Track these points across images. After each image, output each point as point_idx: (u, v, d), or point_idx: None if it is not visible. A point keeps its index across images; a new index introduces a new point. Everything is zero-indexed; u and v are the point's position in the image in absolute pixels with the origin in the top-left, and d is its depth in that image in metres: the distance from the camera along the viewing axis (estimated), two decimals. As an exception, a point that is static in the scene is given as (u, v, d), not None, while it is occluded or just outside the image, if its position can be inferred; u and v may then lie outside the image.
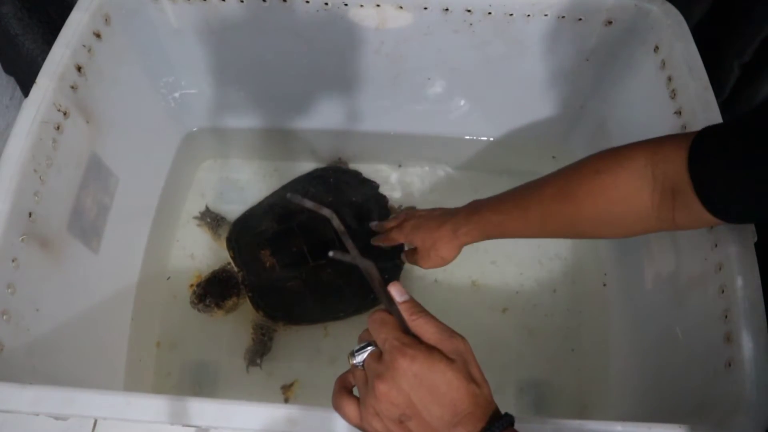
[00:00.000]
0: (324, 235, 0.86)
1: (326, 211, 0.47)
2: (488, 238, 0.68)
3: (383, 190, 0.97)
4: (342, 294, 0.85)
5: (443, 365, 0.40)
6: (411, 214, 0.79)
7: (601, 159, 0.56)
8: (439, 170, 1.00)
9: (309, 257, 0.84)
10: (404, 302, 0.44)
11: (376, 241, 0.82)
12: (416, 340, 0.42)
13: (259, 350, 0.84)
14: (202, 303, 0.82)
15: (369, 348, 0.44)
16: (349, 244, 0.44)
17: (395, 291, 0.45)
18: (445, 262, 0.74)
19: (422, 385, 0.40)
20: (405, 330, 0.43)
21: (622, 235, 0.60)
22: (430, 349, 0.41)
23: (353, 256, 0.44)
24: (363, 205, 0.92)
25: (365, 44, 0.80)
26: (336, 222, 0.45)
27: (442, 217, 0.73)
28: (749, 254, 0.55)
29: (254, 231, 0.88)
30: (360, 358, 0.44)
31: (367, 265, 0.43)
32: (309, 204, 0.47)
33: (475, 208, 0.69)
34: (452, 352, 0.41)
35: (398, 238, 0.78)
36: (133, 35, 0.77)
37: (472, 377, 0.42)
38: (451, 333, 0.43)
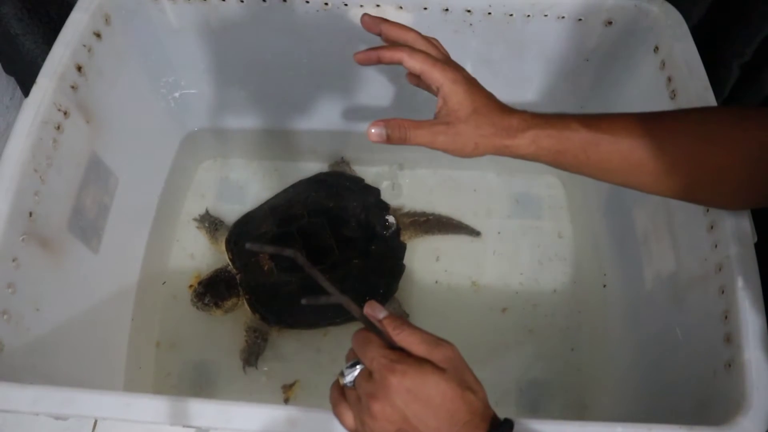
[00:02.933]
0: (323, 241, 0.86)
1: (289, 252, 0.47)
2: (555, 159, 0.51)
3: (384, 191, 0.97)
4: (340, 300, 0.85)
5: (435, 376, 0.40)
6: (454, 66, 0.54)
7: (744, 108, 0.53)
8: (440, 171, 1.01)
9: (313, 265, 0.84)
10: (385, 318, 0.44)
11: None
12: (404, 353, 0.41)
13: (254, 351, 0.84)
14: (201, 302, 0.83)
15: (358, 366, 0.43)
16: (321, 279, 0.44)
17: (373, 310, 0.45)
18: (452, 144, 0.51)
19: (416, 400, 0.40)
20: (391, 345, 0.42)
21: (721, 204, 0.54)
22: (420, 361, 0.41)
23: (330, 291, 0.44)
24: (364, 211, 0.92)
25: (365, 44, 0.79)
26: (301, 260, 0.45)
27: (496, 99, 0.53)
28: (749, 254, 0.55)
29: (254, 233, 0.88)
30: (350, 377, 0.43)
31: (344, 300, 0.43)
32: (270, 249, 0.47)
33: (556, 115, 0.52)
34: (442, 361, 0.41)
35: (432, 66, 0.51)
36: (133, 35, 0.77)
37: (466, 384, 0.41)
38: (438, 341, 0.42)
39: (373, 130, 0.50)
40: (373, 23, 0.56)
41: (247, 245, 0.55)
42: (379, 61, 0.54)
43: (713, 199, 0.54)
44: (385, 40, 0.56)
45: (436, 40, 0.56)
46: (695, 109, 0.55)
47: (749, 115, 0.49)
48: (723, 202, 0.55)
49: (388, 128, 0.50)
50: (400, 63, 0.52)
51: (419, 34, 0.55)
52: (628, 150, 0.50)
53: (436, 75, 0.51)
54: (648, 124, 0.50)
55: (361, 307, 0.45)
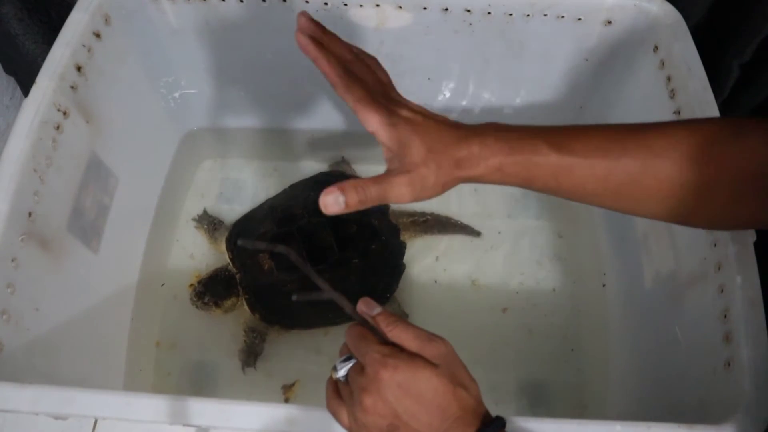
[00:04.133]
0: (323, 241, 0.86)
1: (282, 249, 0.47)
2: (524, 185, 0.47)
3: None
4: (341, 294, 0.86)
5: (427, 372, 0.40)
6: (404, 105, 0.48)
7: (739, 120, 0.45)
8: (439, 170, 1.01)
9: (307, 262, 0.84)
10: (378, 314, 0.44)
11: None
12: (396, 349, 0.42)
13: (252, 352, 0.84)
14: (201, 301, 0.83)
15: (351, 361, 0.44)
16: (315, 277, 0.44)
17: (366, 306, 0.45)
18: (419, 193, 0.45)
19: (407, 395, 0.40)
20: (384, 341, 0.42)
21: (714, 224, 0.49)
22: (412, 356, 0.41)
23: (323, 288, 0.44)
24: (364, 211, 0.91)
25: (365, 44, 0.80)
26: (294, 257, 0.45)
27: (454, 123, 0.47)
28: (748, 253, 0.55)
29: (254, 233, 0.88)
30: (343, 371, 0.44)
31: (336, 296, 0.43)
32: (262, 246, 0.47)
33: (521, 132, 0.46)
34: (435, 357, 0.41)
35: (366, 107, 0.45)
36: (133, 35, 0.77)
37: (458, 380, 0.41)
38: (431, 337, 0.42)
39: (326, 200, 0.43)
40: (309, 28, 0.46)
41: (239, 242, 0.55)
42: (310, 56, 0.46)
43: (700, 221, 0.49)
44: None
45: (376, 61, 0.50)
46: (681, 122, 0.51)
47: (745, 128, 0.44)
48: (711, 224, 0.51)
49: (343, 193, 0.43)
50: (331, 85, 0.45)
51: (357, 53, 0.48)
52: (603, 174, 0.45)
53: (369, 118, 0.44)
54: (626, 142, 0.45)
55: (356, 304, 0.45)
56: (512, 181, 0.46)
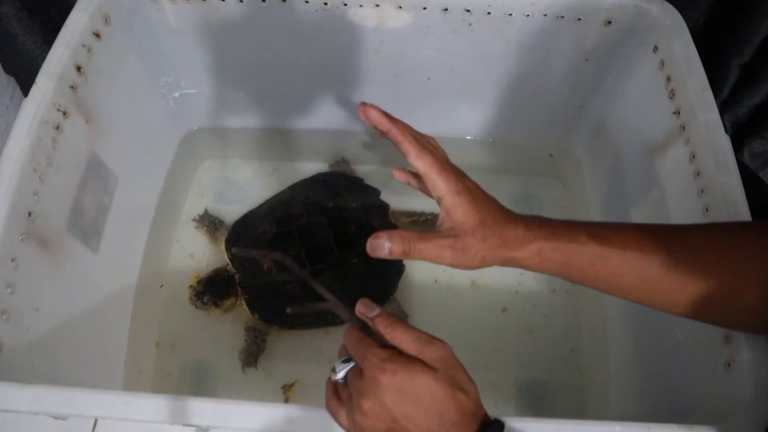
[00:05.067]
0: (323, 241, 0.86)
1: (276, 255, 0.47)
2: (561, 271, 0.49)
3: (385, 192, 0.97)
4: (339, 299, 0.86)
5: (426, 376, 0.40)
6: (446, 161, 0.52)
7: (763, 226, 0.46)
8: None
9: (306, 262, 0.84)
10: (377, 316, 0.44)
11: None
12: (395, 352, 0.42)
13: (253, 352, 0.84)
14: (201, 301, 0.83)
15: (350, 363, 0.44)
16: (311, 281, 0.44)
17: (365, 308, 0.44)
18: (458, 259, 0.49)
19: (406, 399, 0.40)
20: (382, 344, 0.42)
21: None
22: (411, 360, 0.41)
23: (320, 293, 0.44)
24: (363, 211, 0.92)
25: (365, 44, 0.80)
26: (289, 262, 0.45)
27: (501, 205, 0.50)
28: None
29: (253, 233, 0.88)
30: (341, 374, 0.44)
31: (333, 303, 0.43)
32: (256, 253, 0.47)
33: (564, 223, 0.49)
34: (434, 360, 0.41)
35: (438, 173, 0.48)
36: (133, 35, 0.77)
37: (457, 384, 0.41)
38: (430, 340, 0.42)
39: (374, 244, 0.47)
40: (377, 120, 0.50)
41: (233, 250, 0.55)
42: (380, 132, 0.51)
43: (734, 322, 0.50)
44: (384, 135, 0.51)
45: (434, 140, 0.54)
46: (717, 224, 0.53)
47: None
48: (745, 326, 0.50)
49: (390, 241, 0.47)
50: (404, 155, 0.49)
51: (417, 133, 0.51)
52: (639, 266, 0.46)
53: (440, 184, 0.48)
54: (662, 238, 0.47)
55: (353, 308, 0.45)
56: (550, 267, 0.48)
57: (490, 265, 0.50)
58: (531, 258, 0.48)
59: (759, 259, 0.44)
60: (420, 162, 0.48)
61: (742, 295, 0.44)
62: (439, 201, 0.49)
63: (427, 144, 0.50)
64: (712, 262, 0.45)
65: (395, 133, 0.49)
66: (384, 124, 0.49)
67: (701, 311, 0.47)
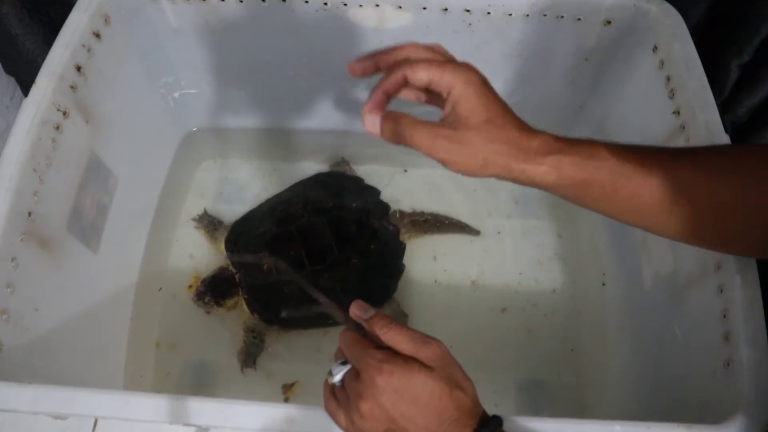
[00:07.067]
0: (323, 241, 0.86)
1: (269, 259, 0.47)
2: (578, 191, 0.44)
3: (385, 192, 0.97)
4: (338, 300, 0.86)
5: (422, 375, 0.40)
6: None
7: None
8: (440, 171, 1.00)
9: (306, 262, 0.84)
10: (371, 318, 0.43)
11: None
12: (391, 352, 0.41)
13: (252, 352, 0.84)
14: (202, 300, 0.83)
15: (347, 366, 0.44)
16: (305, 284, 0.44)
17: (359, 309, 0.44)
18: (455, 154, 0.43)
19: (403, 399, 0.40)
20: (378, 345, 0.42)
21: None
22: (407, 360, 0.41)
23: (315, 296, 0.44)
24: (363, 211, 0.92)
25: (365, 44, 0.80)
26: (282, 266, 0.45)
27: (516, 114, 0.46)
28: (748, 253, 0.55)
29: (253, 233, 0.88)
30: (338, 376, 0.44)
31: (328, 305, 0.43)
32: (249, 258, 0.47)
33: (579, 139, 0.45)
34: (430, 359, 0.41)
35: (439, 69, 0.44)
36: (133, 35, 0.77)
37: (454, 382, 0.41)
38: (425, 339, 0.42)
39: (368, 118, 0.45)
40: (364, 66, 0.48)
41: (227, 256, 0.55)
42: (377, 69, 0.48)
43: (744, 249, 0.48)
44: (386, 69, 0.48)
45: (440, 45, 0.49)
46: (731, 145, 0.51)
47: None
48: (754, 252, 0.48)
49: (383, 119, 0.44)
50: (404, 80, 0.45)
51: (417, 44, 0.48)
52: (659, 185, 0.43)
53: (446, 77, 0.43)
54: (681, 159, 0.44)
55: (347, 309, 0.45)
56: (566, 185, 0.44)
57: (492, 173, 0.43)
58: (546, 174, 0.43)
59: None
60: (418, 73, 0.43)
61: (758, 214, 0.42)
62: (447, 96, 0.43)
63: (424, 53, 0.46)
64: (732, 182, 0.42)
65: (383, 63, 0.46)
66: (369, 66, 0.47)
67: (713, 235, 0.45)
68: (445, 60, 0.46)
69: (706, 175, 0.43)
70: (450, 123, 0.43)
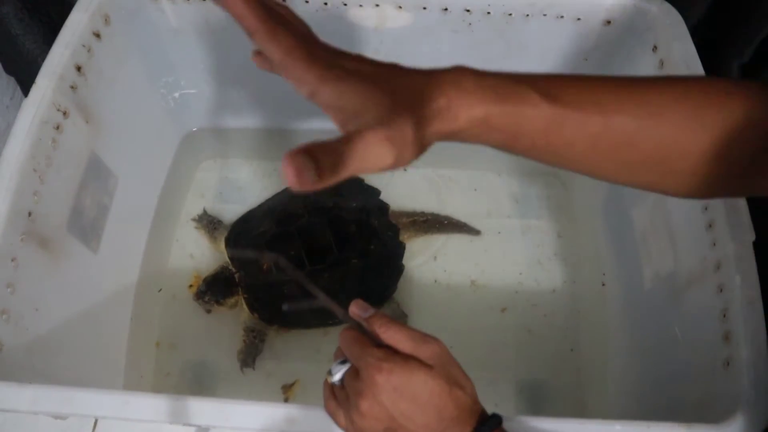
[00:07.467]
0: (323, 241, 0.86)
1: (270, 256, 0.47)
2: (506, 143, 0.38)
3: (385, 192, 0.97)
4: (338, 299, 0.86)
5: (422, 374, 0.40)
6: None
7: (733, 82, 0.40)
8: (440, 171, 1.00)
9: (306, 262, 0.84)
10: (371, 317, 0.43)
11: None
12: (390, 351, 0.41)
13: (251, 352, 0.84)
14: (201, 300, 0.83)
15: (346, 365, 0.44)
16: (306, 282, 0.44)
17: (359, 308, 0.44)
18: (400, 150, 0.34)
19: (403, 398, 0.40)
20: (378, 344, 0.42)
21: (689, 192, 0.42)
22: (407, 359, 0.41)
23: (315, 293, 0.44)
24: (363, 211, 0.92)
25: (364, 44, 0.80)
26: (284, 263, 0.45)
27: (411, 68, 0.38)
28: (747, 253, 0.55)
29: (253, 233, 0.88)
30: (338, 376, 0.44)
31: (328, 302, 0.43)
32: (250, 254, 0.47)
33: (504, 79, 0.37)
34: (429, 358, 0.41)
35: (310, 67, 0.35)
36: (133, 35, 0.77)
37: (453, 380, 0.41)
38: (425, 338, 0.42)
39: (290, 172, 0.31)
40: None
41: (228, 252, 0.55)
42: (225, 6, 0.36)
43: (691, 190, 0.43)
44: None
45: (288, 9, 0.41)
46: (676, 78, 0.44)
47: (735, 91, 0.39)
48: (687, 191, 0.43)
49: (317, 170, 0.31)
50: (250, 36, 0.36)
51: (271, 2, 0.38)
52: (597, 131, 0.38)
53: (308, 74, 0.35)
54: (622, 97, 0.39)
55: (347, 308, 0.45)
56: (495, 138, 0.38)
57: (429, 145, 0.37)
58: (474, 127, 0.37)
59: (721, 119, 0.38)
60: (273, 45, 0.35)
61: (708, 160, 0.39)
62: (312, 97, 0.35)
63: (281, 19, 0.37)
64: (678, 124, 0.38)
65: (234, 4, 0.35)
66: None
67: (662, 182, 0.41)
68: (306, 46, 0.37)
69: (646, 119, 0.38)
70: (366, 123, 0.34)
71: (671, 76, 0.47)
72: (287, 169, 0.31)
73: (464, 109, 0.36)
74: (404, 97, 0.35)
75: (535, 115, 0.37)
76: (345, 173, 0.33)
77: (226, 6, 0.35)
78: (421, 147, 0.36)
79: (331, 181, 0.32)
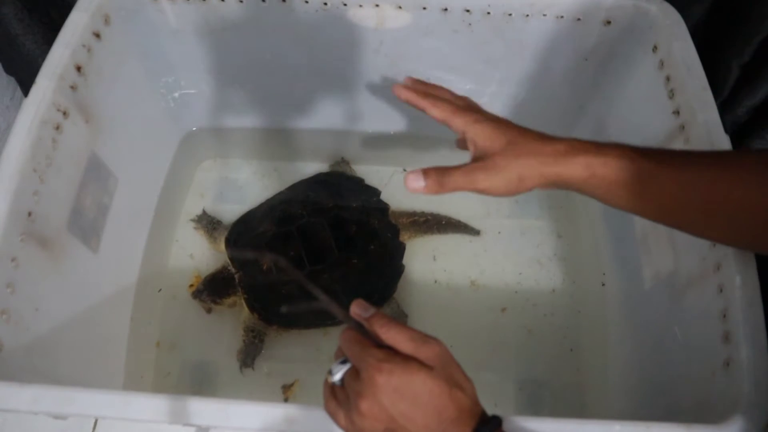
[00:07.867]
0: (323, 241, 0.86)
1: (270, 257, 0.48)
2: (609, 190, 0.46)
3: (385, 192, 0.97)
4: (338, 300, 0.86)
5: (422, 375, 0.40)
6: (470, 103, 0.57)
7: None
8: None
9: (306, 262, 0.84)
10: (371, 317, 0.44)
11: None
12: (391, 351, 0.42)
13: (251, 352, 0.84)
14: (199, 298, 0.83)
15: (346, 365, 0.44)
16: (305, 282, 0.44)
17: (360, 308, 0.44)
18: (493, 180, 0.48)
19: (403, 398, 0.40)
20: (378, 344, 0.42)
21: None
22: (407, 359, 0.41)
23: (315, 294, 0.44)
24: (363, 211, 0.92)
25: (364, 44, 0.80)
26: (283, 264, 0.45)
27: (534, 130, 0.50)
28: (747, 253, 0.55)
29: (253, 233, 0.89)
30: (338, 376, 0.44)
31: (328, 303, 0.43)
32: (250, 254, 0.48)
33: (604, 142, 0.47)
34: (430, 359, 0.41)
35: (452, 113, 0.52)
36: (133, 35, 0.77)
37: (454, 381, 0.41)
38: (425, 338, 0.42)
39: (410, 181, 0.50)
40: (407, 96, 0.56)
41: (228, 252, 0.55)
42: (408, 101, 0.56)
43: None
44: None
45: (468, 98, 0.57)
46: (753, 150, 0.54)
47: None
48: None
49: (425, 178, 0.49)
50: (424, 111, 0.54)
51: (451, 91, 0.57)
52: (690, 181, 0.44)
53: (457, 120, 0.51)
54: (707, 158, 0.46)
55: (348, 308, 0.45)
56: (598, 185, 0.46)
57: (530, 185, 0.47)
58: (578, 174, 0.46)
59: None
60: (435, 110, 0.52)
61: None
62: (464, 139, 0.51)
63: (449, 96, 0.55)
64: (755, 182, 0.43)
65: (418, 103, 0.55)
66: (410, 98, 0.55)
67: (737, 235, 0.47)
68: (461, 107, 0.53)
69: (737, 175, 0.44)
70: (478, 157, 0.49)
71: (750, 149, 0.54)
72: (407, 180, 0.51)
73: (570, 157, 0.45)
74: (518, 141, 0.48)
75: (632, 167, 0.44)
76: (445, 189, 0.49)
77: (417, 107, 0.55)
78: (519, 181, 0.47)
79: (436, 193, 0.49)
